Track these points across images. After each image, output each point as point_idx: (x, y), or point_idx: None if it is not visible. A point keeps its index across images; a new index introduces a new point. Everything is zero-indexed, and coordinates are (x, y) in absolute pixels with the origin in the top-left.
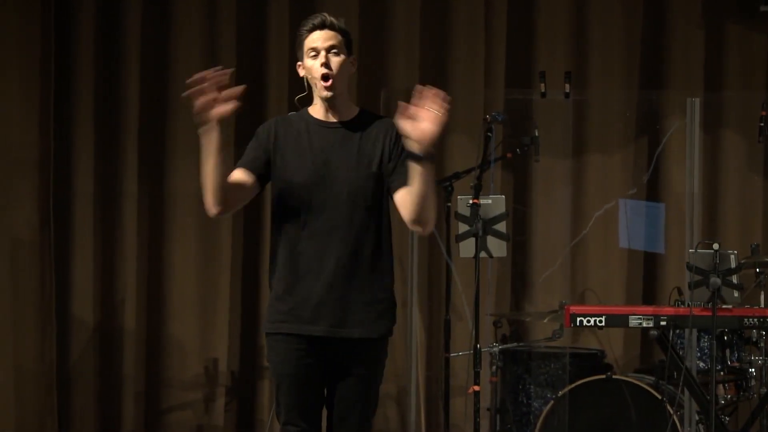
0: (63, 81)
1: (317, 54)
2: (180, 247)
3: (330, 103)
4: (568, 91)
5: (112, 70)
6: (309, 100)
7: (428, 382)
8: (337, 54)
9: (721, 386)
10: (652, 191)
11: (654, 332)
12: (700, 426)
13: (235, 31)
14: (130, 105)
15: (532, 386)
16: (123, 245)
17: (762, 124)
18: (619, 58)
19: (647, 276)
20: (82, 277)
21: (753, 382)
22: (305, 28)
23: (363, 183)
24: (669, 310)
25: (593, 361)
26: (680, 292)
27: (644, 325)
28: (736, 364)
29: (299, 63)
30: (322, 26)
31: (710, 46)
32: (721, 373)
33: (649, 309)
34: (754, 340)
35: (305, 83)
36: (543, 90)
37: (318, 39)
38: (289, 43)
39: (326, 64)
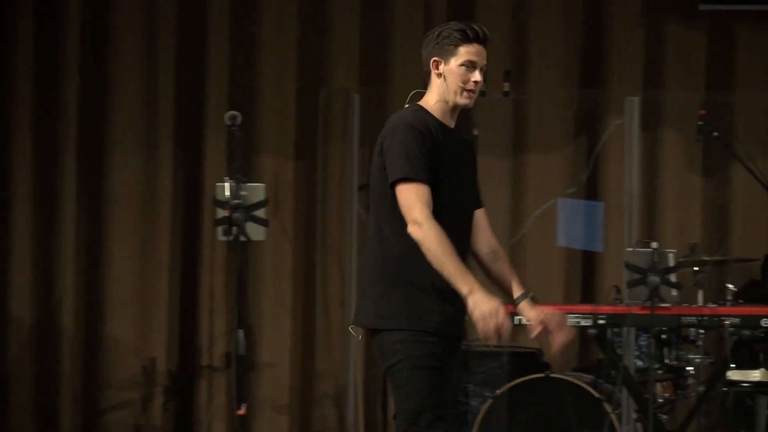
0: (0, 80)
1: (473, 67)
2: (118, 246)
3: (454, 111)
4: (507, 90)
5: (50, 69)
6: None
7: (367, 381)
8: (482, 72)
9: (659, 385)
10: (591, 190)
11: (592, 331)
12: (638, 424)
13: (175, 28)
14: (69, 104)
15: (470, 385)
16: (61, 245)
17: (701, 123)
18: (559, 57)
19: (586, 275)
20: (20, 276)
21: (691, 381)
22: (464, 34)
23: (474, 192)
24: (607, 309)
25: (531, 360)
26: (618, 291)
27: (582, 323)
28: (674, 363)
29: (438, 60)
30: (484, 40)
31: (649, 45)
32: (659, 371)
33: (588, 308)
34: (692, 338)
35: (428, 81)
36: (483, 89)
37: (478, 54)
38: (229, 43)
39: (478, 82)
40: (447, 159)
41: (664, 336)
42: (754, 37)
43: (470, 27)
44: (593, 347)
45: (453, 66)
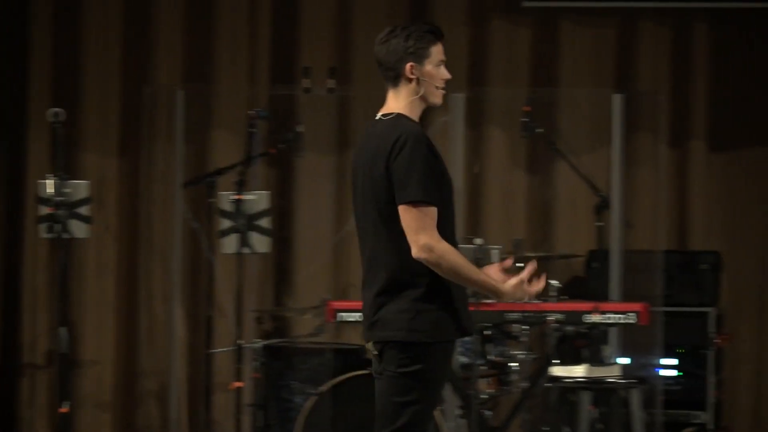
0: None
1: (443, 64)
2: None
3: (425, 111)
4: (332, 86)
5: None
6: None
7: (190, 378)
8: None
9: (482, 381)
10: None
11: None
12: (462, 420)
13: None
14: None
15: (294, 382)
16: None
17: (525, 120)
18: None
19: None
20: None
21: (514, 377)
22: (434, 35)
23: None
24: None
25: (356, 357)
26: None
27: None
28: (498, 359)
29: (413, 64)
30: (443, 37)
31: (474, 41)
32: (483, 367)
33: None
34: (516, 335)
35: (394, 85)
36: (307, 85)
37: (443, 51)
38: (53, 40)
39: (449, 79)
40: (444, 171)
41: (487, 332)
42: (578, 34)
43: (433, 26)
44: None
45: (429, 68)
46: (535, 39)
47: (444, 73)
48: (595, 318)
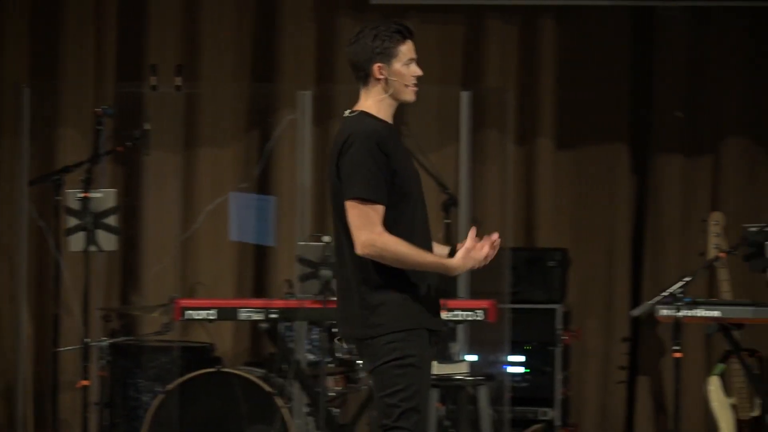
0: None
1: (413, 61)
2: None
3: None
4: (179, 84)
5: None
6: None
7: (37, 377)
8: None
9: (330, 378)
10: (264, 184)
11: (264, 325)
12: (310, 418)
13: None
14: None
15: (141, 380)
16: None
17: None
18: (231, 51)
19: (258, 269)
20: None
21: (362, 374)
22: (402, 35)
23: None
24: (279, 303)
25: (203, 355)
26: (290, 285)
27: (254, 317)
28: (346, 357)
29: (381, 65)
30: (412, 35)
31: (321, 39)
32: (331, 365)
33: (260, 302)
34: None
35: (365, 85)
36: (154, 83)
37: (413, 49)
38: None
39: (420, 75)
40: (406, 168)
41: (335, 330)
42: (425, 31)
43: (401, 25)
44: (265, 341)
45: (398, 67)
46: None
47: (415, 71)
48: (443, 315)
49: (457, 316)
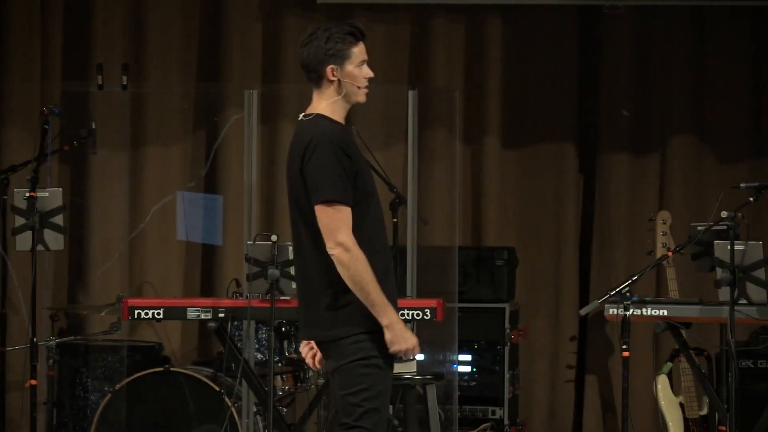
0: None
1: (364, 64)
2: None
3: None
4: (125, 83)
5: None
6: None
7: None
8: None
9: (279, 378)
10: (211, 183)
11: (212, 324)
12: (258, 417)
13: None
14: None
15: (89, 380)
16: None
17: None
18: (177, 50)
19: (206, 268)
20: None
21: (310, 374)
22: (354, 36)
23: None
24: (227, 302)
25: (151, 354)
26: (238, 284)
27: (202, 317)
28: (295, 356)
29: (333, 67)
30: (364, 37)
31: (268, 38)
32: (280, 364)
33: (208, 301)
34: None
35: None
36: (100, 82)
37: (365, 51)
38: None
39: (371, 77)
40: (365, 168)
41: (284, 329)
42: (372, 30)
43: (354, 27)
44: (214, 341)
45: (350, 69)
46: None
47: (367, 72)
48: None
49: (405, 315)
